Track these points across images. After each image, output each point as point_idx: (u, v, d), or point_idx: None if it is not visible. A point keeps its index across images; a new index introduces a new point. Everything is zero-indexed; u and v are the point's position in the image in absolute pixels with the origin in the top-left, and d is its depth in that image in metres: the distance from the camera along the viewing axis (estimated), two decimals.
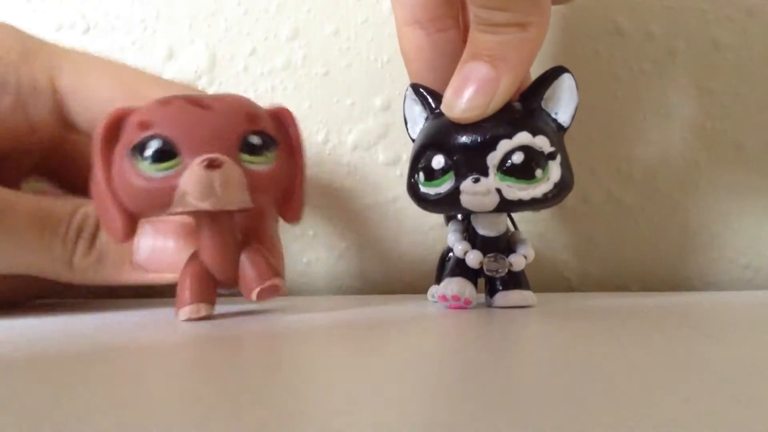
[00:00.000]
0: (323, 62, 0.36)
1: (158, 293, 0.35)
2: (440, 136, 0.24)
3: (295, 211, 0.24)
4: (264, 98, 0.36)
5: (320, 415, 0.10)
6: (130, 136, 0.21)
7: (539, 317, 0.23)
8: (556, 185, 0.24)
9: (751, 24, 0.36)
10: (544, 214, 0.36)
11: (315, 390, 0.12)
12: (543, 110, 0.24)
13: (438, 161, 0.24)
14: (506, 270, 0.25)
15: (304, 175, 0.24)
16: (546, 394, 0.11)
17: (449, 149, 0.24)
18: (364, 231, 0.36)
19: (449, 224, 0.27)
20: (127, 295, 0.35)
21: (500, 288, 0.26)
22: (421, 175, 0.24)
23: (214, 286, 0.24)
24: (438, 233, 0.36)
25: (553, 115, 0.24)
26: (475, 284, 0.26)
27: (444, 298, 0.25)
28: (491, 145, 0.23)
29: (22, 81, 0.25)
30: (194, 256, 0.24)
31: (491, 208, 0.24)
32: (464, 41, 0.29)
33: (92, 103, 0.26)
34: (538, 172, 0.23)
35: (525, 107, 0.24)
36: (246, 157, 0.22)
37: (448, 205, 0.24)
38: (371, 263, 0.36)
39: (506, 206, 0.24)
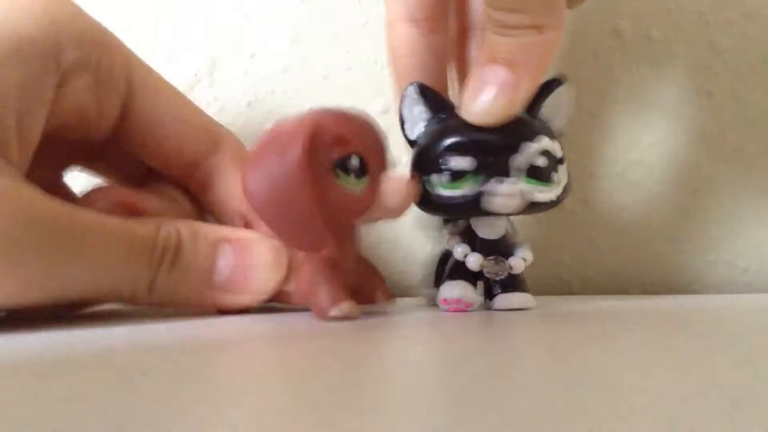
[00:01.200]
0: (323, 66, 0.36)
1: None
2: (462, 138, 0.24)
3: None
4: (264, 102, 0.36)
5: (318, 418, 0.10)
6: (329, 151, 0.22)
7: (539, 320, 0.23)
8: (564, 189, 0.25)
9: (751, 27, 0.36)
10: (544, 217, 0.36)
11: (314, 392, 0.12)
12: (539, 117, 0.25)
13: (459, 163, 0.23)
14: (506, 273, 0.26)
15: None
16: (545, 398, 0.11)
17: (474, 151, 0.23)
18: (363, 234, 0.36)
19: (447, 227, 0.27)
20: None
21: (499, 291, 0.26)
22: (442, 177, 0.24)
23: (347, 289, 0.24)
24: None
25: (548, 123, 0.25)
26: (475, 286, 0.26)
27: (445, 301, 0.25)
28: (514, 148, 0.23)
29: (102, 63, 0.25)
30: (325, 262, 0.24)
31: (514, 210, 0.24)
32: (458, 46, 0.29)
33: (157, 109, 0.26)
34: (554, 176, 0.24)
35: (530, 113, 0.25)
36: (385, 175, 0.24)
37: (468, 207, 0.24)
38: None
39: (527, 208, 0.24)
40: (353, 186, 0.22)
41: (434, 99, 0.25)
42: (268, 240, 0.25)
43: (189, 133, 0.27)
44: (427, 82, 0.25)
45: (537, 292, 0.26)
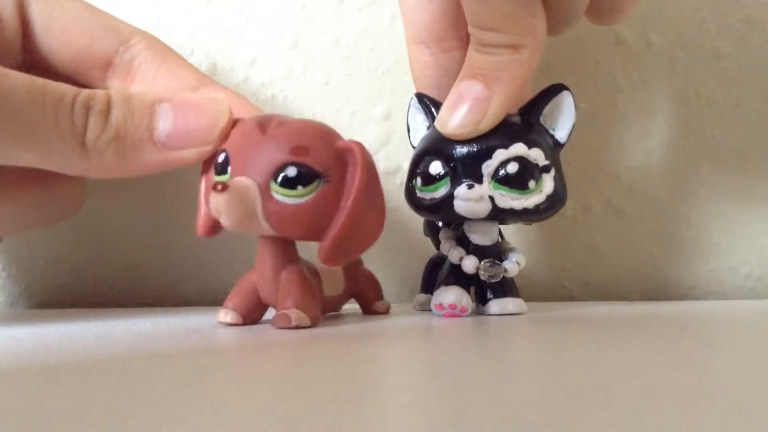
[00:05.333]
0: (324, 71, 0.36)
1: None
2: (439, 143, 0.25)
3: (327, 253, 0.22)
4: (264, 107, 0.36)
5: (317, 424, 0.10)
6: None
7: (538, 326, 0.23)
8: (549, 198, 0.24)
9: (751, 33, 0.36)
10: (544, 223, 0.36)
11: (314, 398, 0.12)
12: (541, 125, 0.25)
13: (435, 167, 0.25)
14: (501, 276, 0.26)
15: (351, 218, 0.22)
16: (545, 403, 0.11)
17: (447, 156, 0.24)
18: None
19: (440, 232, 0.27)
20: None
21: (491, 296, 0.26)
22: (419, 180, 0.25)
23: (255, 301, 0.24)
24: None
25: (551, 131, 0.25)
26: (469, 292, 0.26)
27: (440, 306, 0.26)
28: (487, 154, 0.24)
29: None
30: (250, 271, 0.25)
31: (484, 215, 0.24)
32: None
33: (54, 10, 0.26)
34: (531, 184, 0.24)
35: (523, 121, 0.25)
36: (275, 187, 0.22)
37: (442, 210, 0.25)
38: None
39: (498, 214, 0.24)
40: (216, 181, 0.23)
41: (434, 108, 0.26)
42: (210, 94, 0.25)
43: (94, 30, 0.27)
44: (441, 99, 0.26)
45: (538, 298, 0.26)
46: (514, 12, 0.23)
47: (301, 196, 0.22)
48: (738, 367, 0.15)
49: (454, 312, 0.25)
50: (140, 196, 0.36)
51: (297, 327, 0.22)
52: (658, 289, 0.37)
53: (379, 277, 0.29)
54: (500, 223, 0.27)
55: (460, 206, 0.24)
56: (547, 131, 0.25)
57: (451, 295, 0.25)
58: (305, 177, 0.22)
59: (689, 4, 0.36)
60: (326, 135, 0.23)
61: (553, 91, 0.25)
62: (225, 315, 0.24)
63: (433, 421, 0.11)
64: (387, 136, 0.36)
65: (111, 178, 0.24)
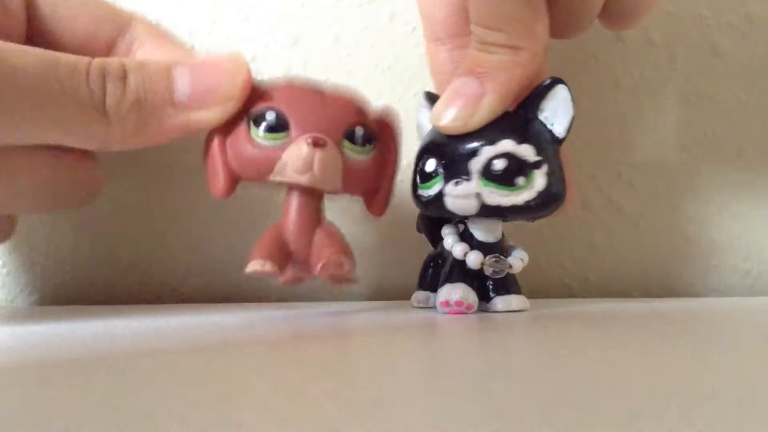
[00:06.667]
0: (324, 69, 0.36)
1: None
2: (433, 141, 0.25)
3: (380, 205, 0.26)
4: None
5: (318, 421, 0.10)
6: (251, 105, 0.24)
7: (540, 323, 0.23)
8: (540, 194, 0.24)
9: (752, 30, 0.36)
10: (545, 220, 0.36)
11: (314, 394, 0.12)
12: (539, 120, 0.25)
13: (430, 165, 0.25)
14: (506, 272, 0.26)
15: (395, 175, 0.26)
16: (548, 400, 0.11)
17: (440, 154, 0.25)
18: (365, 238, 0.36)
19: (443, 228, 0.27)
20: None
21: (494, 293, 0.26)
22: (418, 177, 0.26)
23: (287, 255, 0.24)
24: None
25: (549, 126, 0.25)
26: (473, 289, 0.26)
27: (446, 303, 0.25)
28: (475, 151, 0.24)
29: None
30: (277, 226, 0.24)
31: (473, 212, 0.24)
32: None
33: (70, 15, 0.26)
34: (520, 180, 0.24)
35: (519, 116, 0.25)
36: (348, 145, 0.24)
37: (437, 207, 0.25)
38: (373, 269, 0.36)
39: (487, 211, 0.24)
40: (262, 140, 0.23)
41: None
42: (224, 55, 0.25)
43: (97, 15, 0.27)
44: None
45: (538, 295, 0.26)
46: (518, 14, 0.23)
47: (366, 153, 0.24)
48: (738, 364, 0.15)
49: (461, 309, 0.25)
50: (141, 193, 0.36)
51: (347, 278, 0.24)
52: (658, 286, 0.37)
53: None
54: (510, 220, 0.27)
55: (449, 203, 0.24)
56: (545, 126, 0.25)
57: (458, 292, 0.25)
58: (369, 137, 0.24)
59: (689, 0, 0.36)
60: (367, 101, 0.26)
61: (549, 85, 0.25)
62: (263, 264, 0.23)
63: (436, 418, 0.11)
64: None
65: (134, 147, 0.23)
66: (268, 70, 0.36)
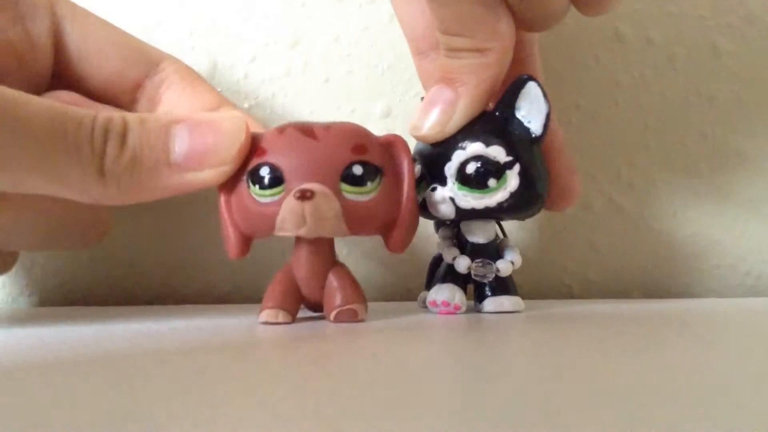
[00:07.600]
0: (324, 69, 0.36)
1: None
2: (418, 148, 0.26)
3: (397, 241, 0.24)
4: (265, 105, 0.36)
5: (318, 422, 0.10)
6: (248, 161, 0.23)
7: (538, 324, 0.23)
8: (513, 195, 0.24)
9: (751, 30, 0.36)
10: (544, 221, 0.36)
11: (314, 396, 0.12)
12: (516, 119, 0.25)
13: (417, 170, 0.25)
14: (494, 275, 0.26)
15: (414, 204, 0.24)
16: (546, 401, 0.11)
17: (423, 160, 0.25)
18: (365, 238, 0.36)
19: (439, 231, 0.28)
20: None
21: (489, 294, 0.26)
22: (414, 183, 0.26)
23: (299, 300, 0.24)
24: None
25: (527, 125, 0.25)
26: (465, 290, 0.26)
27: (434, 303, 0.26)
28: (447, 156, 0.24)
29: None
30: (288, 268, 0.24)
31: (451, 216, 0.25)
32: None
33: (89, 35, 0.26)
34: (492, 182, 0.24)
35: (497, 117, 0.25)
36: (346, 187, 0.22)
37: (425, 211, 0.25)
38: (373, 270, 0.36)
39: (462, 214, 0.25)
40: (260, 197, 0.23)
41: None
42: (226, 113, 0.25)
43: (127, 55, 0.27)
44: None
45: (538, 295, 0.26)
46: (478, 16, 0.23)
47: (369, 192, 0.23)
48: (738, 364, 0.15)
49: (448, 309, 0.26)
50: None
51: (361, 320, 0.24)
52: (658, 286, 0.37)
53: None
54: (499, 221, 0.27)
55: (431, 208, 0.25)
56: (522, 125, 0.25)
57: (444, 293, 0.26)
58: (370, 173, 0.23)
59: (689, 1, 0.36)
60: (368, 133, 0.24)
61: (519, 83, 0.25)
62: (276, 315, 0.23)
63: (436, 418, 0.11)
64: (387, 133, 0.36)
65: (127, 203, 0.23)
66: (268, 70, 0.36)
